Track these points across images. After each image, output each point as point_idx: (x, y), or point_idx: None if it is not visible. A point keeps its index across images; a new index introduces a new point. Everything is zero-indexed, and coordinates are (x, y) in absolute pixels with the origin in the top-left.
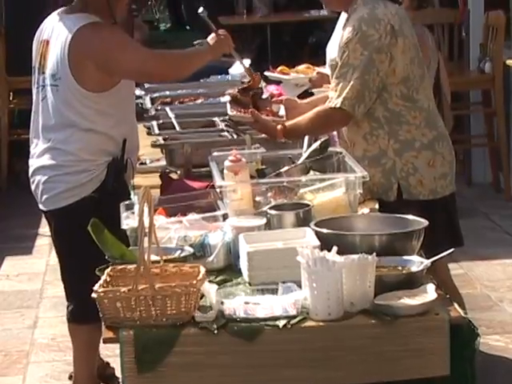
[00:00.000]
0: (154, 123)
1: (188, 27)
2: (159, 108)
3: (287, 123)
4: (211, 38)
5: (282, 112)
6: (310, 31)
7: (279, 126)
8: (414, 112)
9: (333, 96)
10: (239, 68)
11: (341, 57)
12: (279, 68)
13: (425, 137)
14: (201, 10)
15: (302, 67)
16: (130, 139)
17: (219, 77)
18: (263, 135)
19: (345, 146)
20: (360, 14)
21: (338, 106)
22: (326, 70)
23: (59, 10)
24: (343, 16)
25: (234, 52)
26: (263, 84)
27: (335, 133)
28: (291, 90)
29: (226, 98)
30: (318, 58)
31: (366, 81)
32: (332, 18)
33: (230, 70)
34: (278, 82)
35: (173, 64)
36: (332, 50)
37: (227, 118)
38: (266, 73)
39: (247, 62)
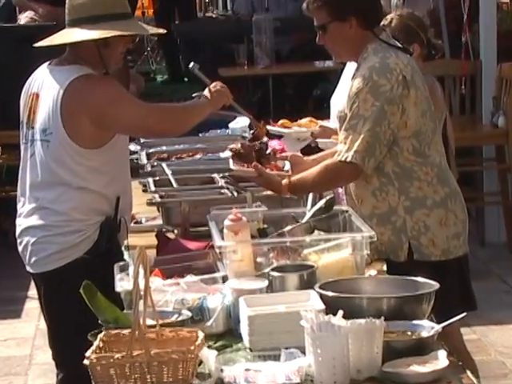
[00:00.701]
0: (150, 180)
1: (186, 79)
2: (155, 164)
3: (293, 178)
4: (208, 91)
5: (287, 167)
6: (314, 83)
7: (284, 181)
8: (425, 168)
9: (342, 149)
10: (240, 122)
11: (350, 107)
12: (280, 121)
13: (437, 194)
14: (191, 64)
15: (304, 121)
16: (123, 197)
17: (219, 131)
18: (265, 192)
19: (352, 203)
20: (371, 63)
21: (348, 159)
22: (331, 123)
23: (49, 62)
24: (351, 66)
25: (233, 103)
26: (265, 139)
27: (341, 190)
28: (293, 145)
29: (226, 154)
30: (323, 112)
31: (377, 133)
32: (338, 69)
33: (230, 125)
34: (280, 137)
35: (172, 118)
36: (339, 102)
37: (227, 174)
38: (267, 126)
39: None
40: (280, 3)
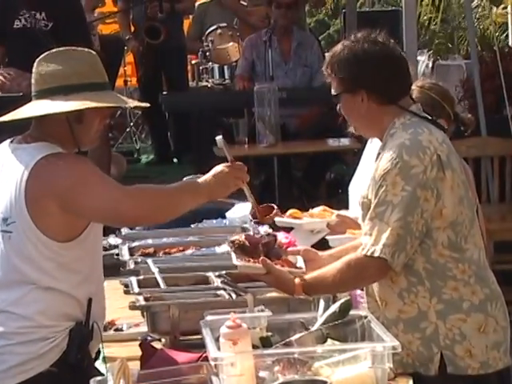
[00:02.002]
0: (133, 279)
1: (175, 160)
2: (139, 260)
3: (308, 276)
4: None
5: (301, 263)
6: (328, 165)
7: (298, 280)
8: (462, 265)
9: (367, 242)
10: (238, 211)
11: (376, 192)
12: (289, 211)
13: (475, 296)
14: (218, 138)
15: (317, 210)
16: (96, 299)
17: (214, 221)
18: (270, 294)
19: (374, 306)
20: (400, 141)
21: (375, 254)
22: (350, 212)
23: (11, 140)
24: (374, 145)
25: (245, 187)
26: (269, 230)
27: (359, 291)
28: (305, 238)
29: (223, 248)
30: (338, 199)
31: (409, 224)
32: (355, 148)
33: (228, 214)
34: (287, 229)
35: (151, 204)
36: (359, 187)
37: (225, 272)
38: (276, 218)
39: (249, 205)
40: (287, 70)
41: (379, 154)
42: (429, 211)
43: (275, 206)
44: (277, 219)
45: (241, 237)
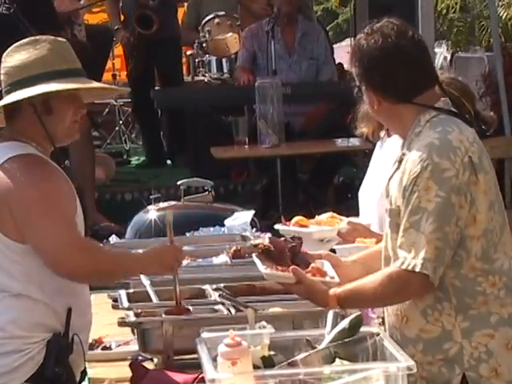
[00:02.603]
0: (123, 293)
1: (169, 162)
2: None
3: (343, 287)
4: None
5: (331, 271)
6: (336, 167)
7: (332, 291)
8: (492, 277)
9: (406, 255)
10: (239, 218)
11: (408, 199)
12: (295, 219)
13: (504, 309)
14: (169, 212)
15: (324, 217)
16: (76, 310)
17: (212, 229)
18: (272, 309)
19: (392, 321)
20: (428, 140)
21: (416, 269)
22: (360, 219)
23: None
24: (385, 146)
25: (176, 274)
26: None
27: None
28: (313, 248)
29: (221, 259)
30: (347, 205)
31: (446, 234)
32: (366, 149)
33: (227, 221)
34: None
35: (94, 268)
36: (370, 191)
37: (222, 285)
38: (277, 226)
39: (250, 213)
40: (291, 63)
41: (403, 154)
42: (463, 218)
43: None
44: (282, 228)
45: (264, 240)
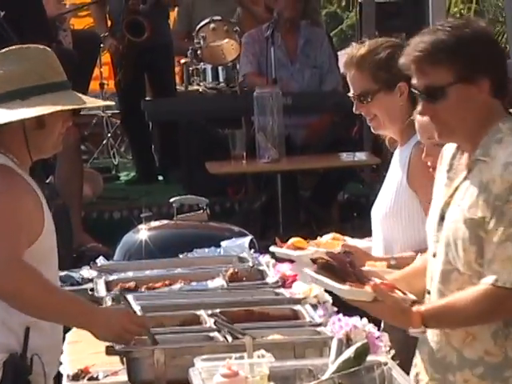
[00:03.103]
0: None
1: (161, 177)
2: (118, 296)
3: (428, 306)
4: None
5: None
6: (341, 184)
7: (416, 308)
8: None
9: (500, 271)
10: (237, 240)
11: (501, 210)
12: (291, 240)
13: None
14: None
15: (327, 238)
16: (37, 329)
17: (207, 250)
18: (272, 336)
19: (450, 339)
20: None
21: None
22: (363, 242)
23: None
24: (399, 157)
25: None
26: (272, 261)
27: (377, 333)
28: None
29: (217, 282)
30: (353, 224)
31: None
32: (374, 164)
33: (224, 242)
34: (292, 261)
35: (24, 285)
36: (385, 209)
37: (218, 311)
38: (272, 248)
39: (247, 239)
40: (293, 71)
41: (477, 159)
42: None
43: None
44: (274, 249)
45: (323, 255)
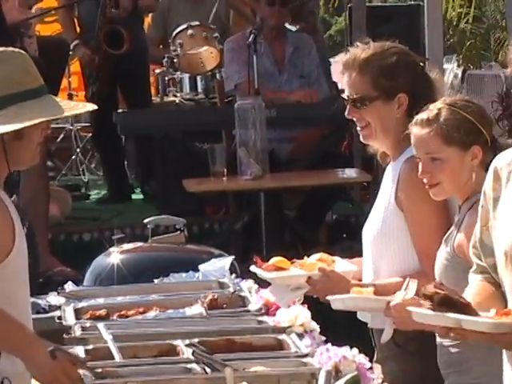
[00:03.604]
0: (80, 349)
1: (135, 196)
2: (88, 325)
3: None
4: None
5: None
6: (329, 203)
7: None
8: None
9: None
10: (216, 263)
11: None
12: (272, 260)
13: None
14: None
15: (314, 259)
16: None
17: (184, 275)
18: (255, 368)
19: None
20: None
21: None
22: (347, 265)
23: None
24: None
25: None
26: (254, 287)
27: (368, 364)
28: (282, 295)
29: (195, 310)
30: (342, 246)
31: None
32: (364, 182)
33: (202, 266)
34: None
35: None
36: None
37: (196, 341)
38: (252, 268)
39: (228, 260)
40: (280, 82)
41: None
42: None
43: None
44: (253, 269)
45: (429, 287)
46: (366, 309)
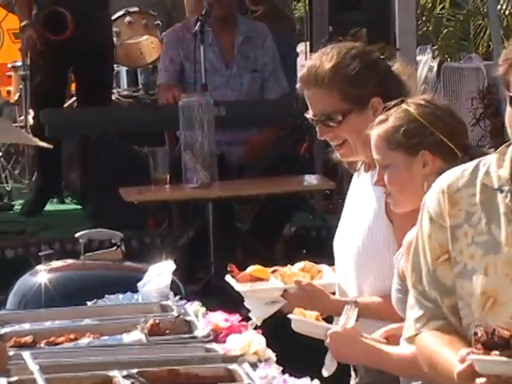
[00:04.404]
0: (3, 381)
1: (64, 206)
2: (12, 354)
3: None
4: None
5: None
6: (287, 214)
7: None
8: None
9: None
10: (155, 281)
11: None
12: (250, 268)
13: None
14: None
15: (299, 267)
16: None
17: (121, 297)
18: None
19: None
20: None
21: None
22: (329, 277)
23: None
24: (361, 181)
25: None
26: (201, 310)
27: None
28: (256, 310)
29: (134, 336)
30: (301, 257)
31: None
32: (327, 190)
33: (140, 284)
34: None
35: None
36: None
37: (135, 371)
38: (227, 278)
39: (169, 266)
40: (228, 77)
41: None
42: None
43: None
44: (228, 280)
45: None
46: (309, 333)
